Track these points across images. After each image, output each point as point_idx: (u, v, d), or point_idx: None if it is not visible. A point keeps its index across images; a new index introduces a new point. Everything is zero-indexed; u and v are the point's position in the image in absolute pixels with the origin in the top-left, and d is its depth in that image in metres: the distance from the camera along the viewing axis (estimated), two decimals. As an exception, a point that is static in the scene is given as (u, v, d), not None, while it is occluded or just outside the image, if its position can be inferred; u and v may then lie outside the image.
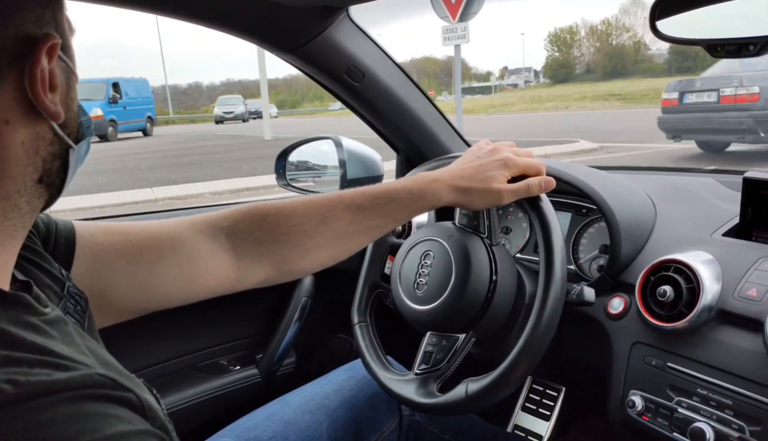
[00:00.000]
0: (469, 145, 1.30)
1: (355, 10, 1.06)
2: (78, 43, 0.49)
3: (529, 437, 1.25)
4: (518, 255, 1.18)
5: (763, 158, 7.08)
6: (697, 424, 0.76)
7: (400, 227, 1.23)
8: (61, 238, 0.61)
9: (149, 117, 21.15)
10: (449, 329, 0.86)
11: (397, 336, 1.12)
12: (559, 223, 0.79)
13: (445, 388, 0.82)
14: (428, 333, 0.88)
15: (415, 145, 1.28)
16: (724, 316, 0.80)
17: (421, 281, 0.89)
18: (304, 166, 1.41)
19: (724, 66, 6.68)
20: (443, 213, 1.09)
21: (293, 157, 1.38)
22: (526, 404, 1.29)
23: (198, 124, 31.52)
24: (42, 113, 0.43)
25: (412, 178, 0.79)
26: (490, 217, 0.87)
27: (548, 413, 1.25)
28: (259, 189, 7.42)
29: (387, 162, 1.34)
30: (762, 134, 6.41)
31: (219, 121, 27.88)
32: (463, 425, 1.01)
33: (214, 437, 0.89)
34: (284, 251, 0.74)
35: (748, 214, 0.91)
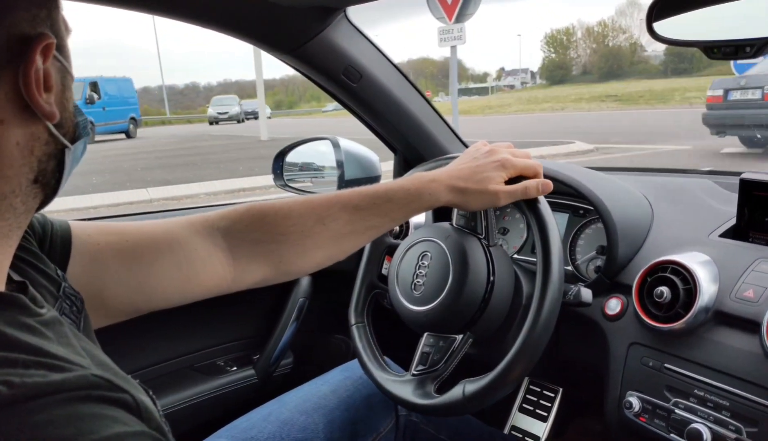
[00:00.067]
0: (466, 146, 1.30)
1: (352, 11, 1.06)
2: (74, 42, 0.49)
3: (526, 438, 1.25)
4: (515, 256, 1.19)
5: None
6: (694, 425, 0.76)
7: (397, 228, 1.23)
8: (57, 238, 0.61)
9: (132, 118, 20.27)
10: (446, 330, 0.86)
11: (394, 337, 1.11)
12: (556, 224, 0.79)
13: (442, 389, 0.82)
14: (425, 334, 0.88)
15: (412, 145, 1.27)
16: (721, 317, 0.80)
17: (418, 282, 0.89)
18: (302, 167, 1.41)
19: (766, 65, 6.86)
20: (441, 214, 1.09)
21: (291, 157, 1.38)
22: (523, 405, 1.29)
23: (195, 125, 31.37)
24: (37, 113, 0.42)
25: (410, 178, 0.79)
26: (488, 218, 0.87)
27: (545, 414, 1.26)
28: (256, 189, 7.41)
29: (384, 162, 1.34)
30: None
31: (213, 121, 27.18)
32: (460, 426, 1.01)
33: (210, 438, 0.89)
34: (281, 251, 0.74)
35: (745, 216, 0.91)
